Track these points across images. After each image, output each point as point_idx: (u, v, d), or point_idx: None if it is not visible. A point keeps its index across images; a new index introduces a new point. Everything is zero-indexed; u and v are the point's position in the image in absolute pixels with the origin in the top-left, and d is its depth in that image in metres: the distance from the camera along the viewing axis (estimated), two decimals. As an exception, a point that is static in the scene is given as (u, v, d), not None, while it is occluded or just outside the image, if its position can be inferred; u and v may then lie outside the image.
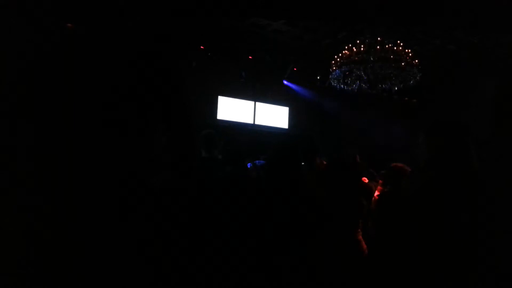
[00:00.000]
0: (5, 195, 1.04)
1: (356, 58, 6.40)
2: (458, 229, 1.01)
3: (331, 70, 6.94)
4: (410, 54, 6.36)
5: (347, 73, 6.72)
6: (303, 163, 2.66)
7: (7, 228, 1.03)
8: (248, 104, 8.95)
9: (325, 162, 3.26)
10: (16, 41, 1.10)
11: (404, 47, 6.35)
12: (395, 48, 6.27)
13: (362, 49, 6.37)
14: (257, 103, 9.02)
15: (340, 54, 6.65)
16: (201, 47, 7.38)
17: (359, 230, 2.82)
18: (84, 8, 1.21)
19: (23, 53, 1.09)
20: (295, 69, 8.47)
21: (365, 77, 6.61)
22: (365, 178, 3.53)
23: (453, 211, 1.05)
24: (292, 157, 2.27)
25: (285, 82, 9.24)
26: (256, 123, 8.92)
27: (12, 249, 1.03)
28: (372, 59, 6.24)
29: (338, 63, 6.67)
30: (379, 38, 6.27)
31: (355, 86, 7.02)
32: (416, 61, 6.42)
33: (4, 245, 1.03)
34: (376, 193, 3.13)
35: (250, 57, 8.04)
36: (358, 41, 6.43)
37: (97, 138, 1.12)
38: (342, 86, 7.20)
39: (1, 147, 1.06)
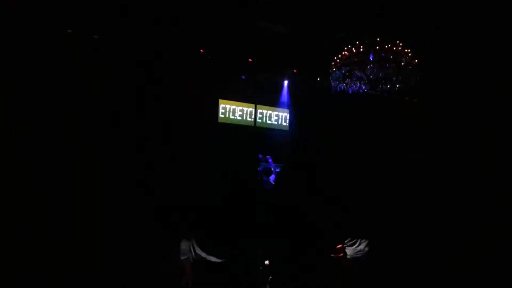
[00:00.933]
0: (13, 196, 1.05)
1: (356, 59, 6.40)
2: None
3: (331, 71, 6.93)
4: (410, 54, 6.35)
5: (347, 74, 6.71)
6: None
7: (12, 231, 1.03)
8: (249, 107, 8.96)
9: None
10: (16, 41, 1.11)
11: (404, 47, 6.34)
12: (394, 48, 6.26)
13: (361, 49, 6.36)
14: (257, 106, 9.04)
15: (339, 55, 6.65)
16: (201, 50, 7.39)
17: None
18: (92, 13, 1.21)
19: (23, 53, 1.10)
20: (295, 70, 8.48)
21: (365, 78, 6.60)
22: None
23: None
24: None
25: (285, 84, 9.23)
26: (257, 126, 8.91)
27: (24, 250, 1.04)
28: (371, 59, 6.23)
29: (338, 64, 6.67)
30: (378, 39, 6.26)
31: (355, 87, 7.01)
32: (416, 61, 6.40)
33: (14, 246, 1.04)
34: None
35: (250, 59, 8.04)
36: (357, 42, 6.42)
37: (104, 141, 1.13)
38: (342, 87, 7.19)
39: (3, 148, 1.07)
